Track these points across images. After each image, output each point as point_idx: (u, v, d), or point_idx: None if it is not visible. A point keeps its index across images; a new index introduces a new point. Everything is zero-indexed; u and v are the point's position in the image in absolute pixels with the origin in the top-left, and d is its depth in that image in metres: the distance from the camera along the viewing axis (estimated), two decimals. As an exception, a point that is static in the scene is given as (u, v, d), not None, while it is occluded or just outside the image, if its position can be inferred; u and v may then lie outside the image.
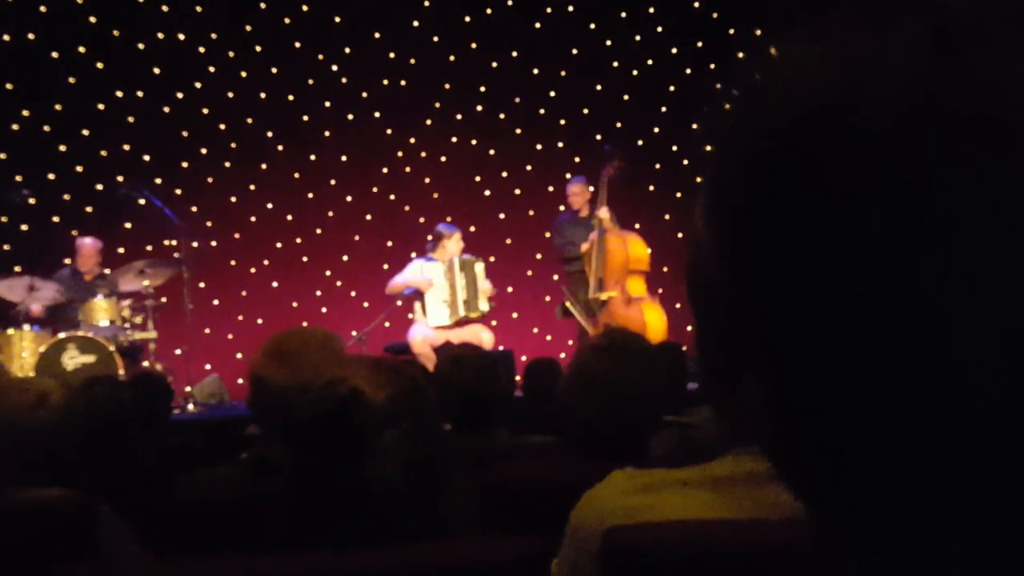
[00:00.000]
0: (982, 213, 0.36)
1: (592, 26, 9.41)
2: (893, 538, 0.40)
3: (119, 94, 8.43)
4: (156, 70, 8.54)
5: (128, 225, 8.25)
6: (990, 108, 0.36)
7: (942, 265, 0.36)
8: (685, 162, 9.40)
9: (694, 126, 9.43)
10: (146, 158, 8.46)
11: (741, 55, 9.40)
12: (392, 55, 9.07)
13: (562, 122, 9.32)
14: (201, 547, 1.61)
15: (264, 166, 8.79)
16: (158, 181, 8.28)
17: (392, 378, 1.30)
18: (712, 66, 9.44)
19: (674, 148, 9.43)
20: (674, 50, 9.54)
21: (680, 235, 9.12)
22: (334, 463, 1.23)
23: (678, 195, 9.36)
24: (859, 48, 0.40)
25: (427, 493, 1.28)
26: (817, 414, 0.41)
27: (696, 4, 9.55)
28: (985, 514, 0.38)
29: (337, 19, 8.96)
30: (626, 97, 9.44)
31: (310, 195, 8.88)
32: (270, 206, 8.81)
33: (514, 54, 9.28)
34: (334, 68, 8.96)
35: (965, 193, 0.36)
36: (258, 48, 8.80)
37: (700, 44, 9.51)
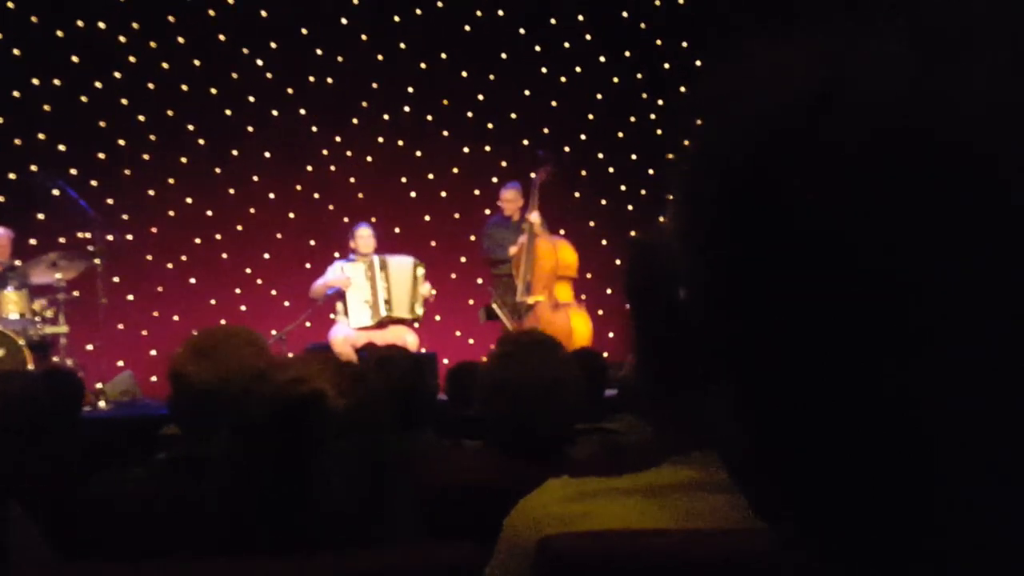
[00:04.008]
0: (954, 243, 0.35)
1: (521, 31, 9.43)
2: (859, 556, 0.40)
3: (35, 82, 8.18)
4: (75, 59, 8.32)
5: (41, 216, 8.02)
6: (969, 136, 0.35)
7: (914, 291, 0.35)
8: (611, 170, 9.47)
9: (620, 135, 9.52)
10: (62, 148, 8.23)
11: (667, 66, 9.52)
12: (319, 52, 8.97)
13: (489, 126, 9.32)
14: (119, 552, 1.55)
15: (184, 160, 8.62)
16: (74, 172, 8.05)
17: (354, 386, 1.24)
18: (639, 76, 9.54)
19: (600, 155, 9.49)
20: (602, 59, 9.59)
21: (604, 242, 9.18)
22: (280, 467, 1.17)
23: (603, 202, 9.43)
24: (832, 65, 0.39)
25: (370, 512, 1.23)
26: (794, 430, 0.40)
27: (624, 14, 9.62)
28: (962, 542, 0.37)
29: (263, 13, 8.84)
30: (554, 103, 9.46)
31: (231, 191, 8.74)
32: (189, 201, 8.64)
33: (443, 56, 9.24)
34: (259, 63, 8.83)
35: (937, 222, 0.35)
36: (181, 40, 8.62)
37: (628, 54, 9.58)
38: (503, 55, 9.36)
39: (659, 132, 9.57)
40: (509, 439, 2.25)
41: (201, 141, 8.67)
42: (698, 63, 9.56)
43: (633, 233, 9.29)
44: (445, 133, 9.22)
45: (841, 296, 0.37)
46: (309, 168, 8.94)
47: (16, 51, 8.12)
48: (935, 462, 0.37)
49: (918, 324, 0.36)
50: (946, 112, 0.36)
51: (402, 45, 9.16)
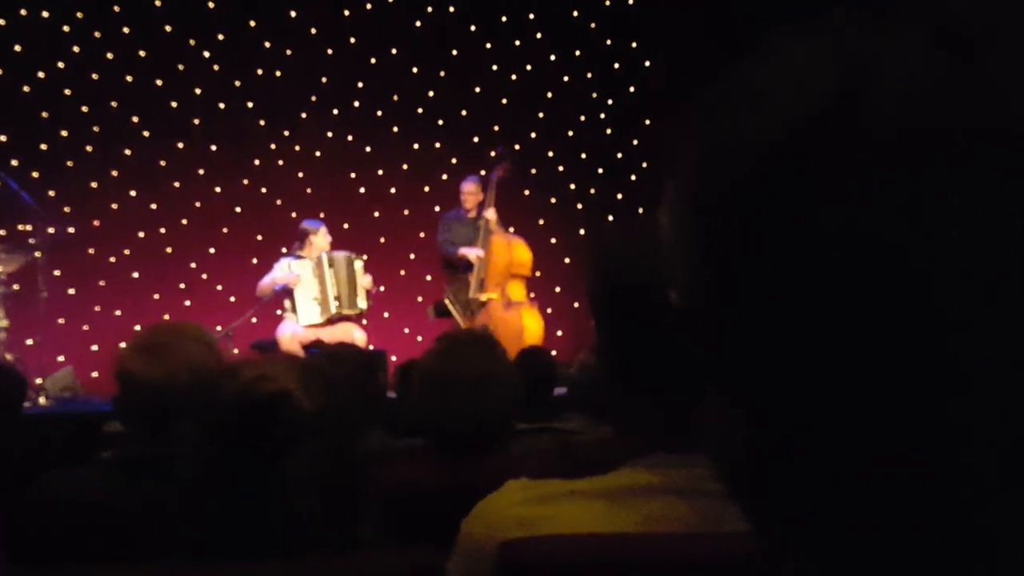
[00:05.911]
0: (992, 237, 0.34)
1: (473, 28, 9.41)
2: (855, 571, 0.39)
3: (-24, 71, 8.02)
4: (17, 48, 8.14)
5: (-20, 208, 7.85)
6: (1003, 122, 0.34)
7: (947, 292, 0.34)
8: (560, 168, 9.49)
9: (570, 133, 9.54)
10: (3, 138, 8.07)
11: (616, 66, 9.56)
12: (268, 44, 8.87)
13: (440, 122, 9.28)
14: (75, 555, 1.51)
15: (128, 152, 8.48)
16: (15, 163, 7.90)
17: (323, 389, 1.21)
18: (589, 75, 9.56)
19: (550, 154, 9.50)
20: (553, 57, 9.60)
21: (553, 240, 9.19)
22: (246, 468, 1.14)
23: (552, 201, 9.44)
24: (859, 52, 0.38)
25: (338, 516, 1.20)
26: (804, 439, 0.39)
27: (575, 14, 9.63)
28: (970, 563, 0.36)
29: (211, 4, 8.72)
30: (504, 101, 9.46)
31: (176, 184, 8.61)
32: (133, 194, 8.50)
33: (393, 51, 9.19)
34: (206, 54, 8.71)
35: (972, 214, 0.34)
36: (126, 30, 8.48)
37: (578, 53, 9.60)
38: (454, 52, 9.33)
39: (608, 131, 9.61)
40: (443, 436, 2.24)
41: (146, 133, 8.53)
42: (647, 63, 9.61)
43: (583, 231, 9.32)
44: (395, 129, 9.18)
45: (872, 299, 0.36)
46: (256, 162, 8.84)
47: (-45, 38, 7.94)
48: (958, 482, 0.36)
49: (952, 330, 0.35)
50: (977, 106, 0.35)
51: (352, 39, 9.09)
